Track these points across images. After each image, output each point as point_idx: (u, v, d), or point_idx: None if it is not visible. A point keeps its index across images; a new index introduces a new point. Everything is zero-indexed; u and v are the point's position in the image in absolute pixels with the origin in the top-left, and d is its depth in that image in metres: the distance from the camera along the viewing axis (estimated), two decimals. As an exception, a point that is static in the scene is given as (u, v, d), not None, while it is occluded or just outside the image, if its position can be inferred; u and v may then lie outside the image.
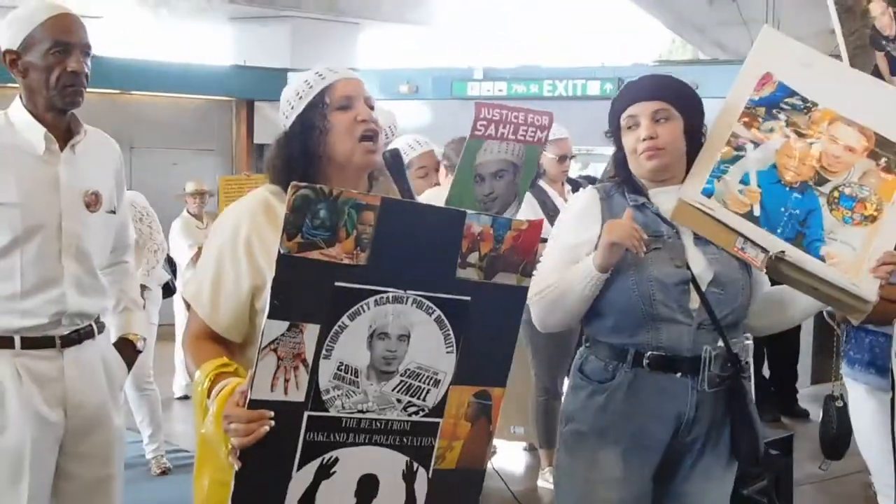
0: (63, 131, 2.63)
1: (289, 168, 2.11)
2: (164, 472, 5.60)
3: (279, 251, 1.70)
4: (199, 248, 7.70)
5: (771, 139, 2.49)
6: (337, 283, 1.75)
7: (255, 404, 1.75)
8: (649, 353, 2.40)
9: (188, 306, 2.17)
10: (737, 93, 2.53)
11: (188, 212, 8.00)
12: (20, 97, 2.63)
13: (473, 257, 1.83)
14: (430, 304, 1.83)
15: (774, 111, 2.51)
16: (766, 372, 6.92)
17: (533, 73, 12.26)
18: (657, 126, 2.43)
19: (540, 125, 2.47)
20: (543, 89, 11.82)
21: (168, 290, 6.66)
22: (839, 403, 3.52)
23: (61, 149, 2.61)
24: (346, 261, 1.74)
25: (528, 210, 4.31)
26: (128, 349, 2.89)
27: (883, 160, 2.49)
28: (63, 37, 2.55)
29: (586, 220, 2.47)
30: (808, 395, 7.04)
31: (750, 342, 2.51)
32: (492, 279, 1.86)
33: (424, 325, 1.83)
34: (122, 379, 2.83)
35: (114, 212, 2.74)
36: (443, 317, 1.84)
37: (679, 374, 2.41)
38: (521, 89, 12.01)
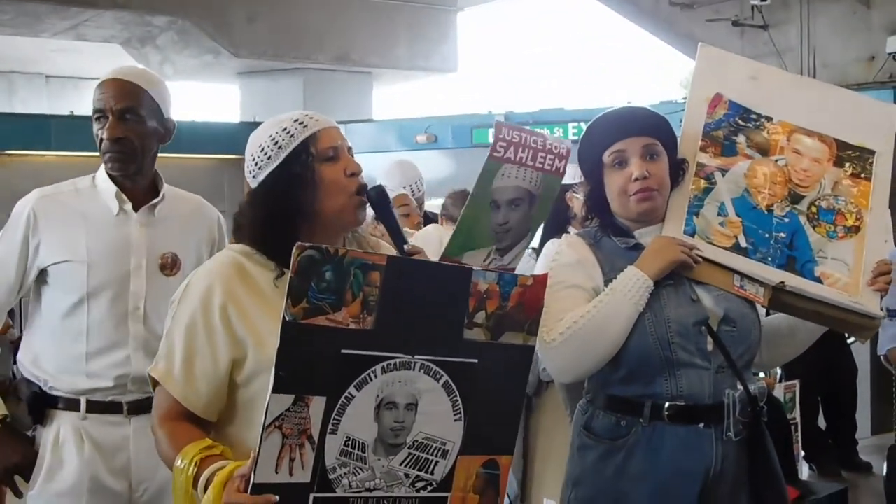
0: (143, 192, 2.71)
1: (270, 225, 2.03)
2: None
3: (284, 318, 1.65)
4: None
5: (736, 163, 2.48)
6: (343, 351, 1.70)
7: (258, 488, 1.69)
8: (668, 403, 2.31)
9: (154, 385, 2.06)
10: (691, 120, 2.51)
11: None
12: None
13: (480, 317, 1.79)
14: (438, 369, 1.79)
15: (732, 132, 2.50)
16: (821, 422, 6.83)
17: (556, 115, 12.33)
18: (648, 164, 2.36)
19: (558, 153, 2.46)
20: (568, 132, 11.87)
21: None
22: (903, 454, 3.45)
23: (137, 209, 2.69)
24: (352, 326, 1.70)
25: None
26: None
27: (848, 166, 2.51)
28: (97, 104, 2.65)
29: (585, 270, 2.37)
30: (869, 445, 6.93)
31: (762, 385, 2.46)
32: (499, 339, 1.82)
33: (432, 391, 1.79)
34: None
35: None
36: (450, 382, 1.80)
37: (702, 425, 2.32)
38: (545, 133, 12.05)
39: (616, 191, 2.39)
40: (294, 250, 1.65)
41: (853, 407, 6.85)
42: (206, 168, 13.72)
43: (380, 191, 2.17)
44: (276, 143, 2.05)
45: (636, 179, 2.35)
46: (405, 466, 1.81)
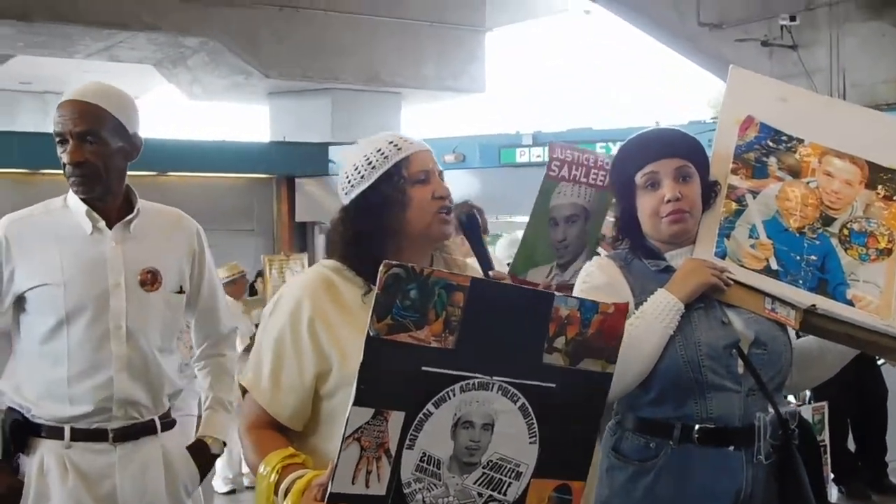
0: (117, 210, 2.66)
1: (360, 242, 2.09)
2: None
3: (368, 333, 1.68)
4: (250, 339, 7.82)
5: (768, 185, 2.47)
6: (424, 368, 1.73)
7: (334, 498, 1.72)
8: (698, 426, 2.29)
9: (244, 393, 2.13)
10: (722, 142, 2.50)
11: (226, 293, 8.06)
12: None
13: (560, 342, 1.80)
14: (515, 392, 1.80)
15: (763, 155, 2.50)
16: (851, 445, 6.75)
17: (584, 135, 12.32)
18: (681, 186, 2.35)
19: (609, 169, 2.52)
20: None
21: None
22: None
23: (111, 226, 2.63)
24: (434, 344, 1.72)
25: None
26: (202, 452, 2.84)
27: (881, 188, 2.49)
28: (57, 127, 2.58)
29: (616, 292, 2.33)
30: (899, 468, 6.84)
31: (793, 408, 2.44)
32: (577, 365, 1.83)
33: (508, 413, 1.80)
34: (189, 483, 2.79)
35: (181, 291, 2.73)
36: (527, 405, 1.81)
37: (732, 448, 2.30)
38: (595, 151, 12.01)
39: (648, 212, 2.38)
40: (381, 268, 1.69)
41: (883, 429, 6.77)
42: (236, 187, 13.82)
43: (470, 215, 2.26)
44: (371, 163, 2.10)
45: (668, 201, 2.34)
46: (479, 485, 1.82)
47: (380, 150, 2.11)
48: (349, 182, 2.13)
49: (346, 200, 2.14)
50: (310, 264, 9.72)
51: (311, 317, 2.04)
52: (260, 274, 9.46)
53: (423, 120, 16.88)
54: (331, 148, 13.48)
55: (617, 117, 18.14)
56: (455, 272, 1.93)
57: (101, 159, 2.58)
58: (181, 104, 16.44)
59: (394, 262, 1.69)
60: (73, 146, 2.56)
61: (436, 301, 1.71)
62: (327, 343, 2.03)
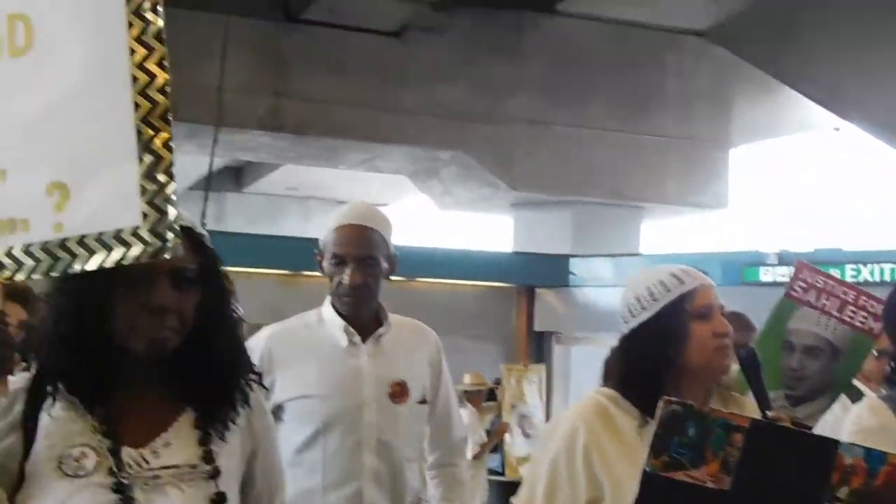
0: (370, 323, 2.77)
1: (638, 373, 2.13)
2: None
3: (645, 469, 1.72)
4: (480, 447, 7.87)
5: None
6: None
7: None
8: None
9: None
10: None
11: (467, 401, 8.14)
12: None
13: (843, 491, 1.75)
14: None
15: None
16: None
17: (833, 256, 11.80)
18: None
19: (874, 312, 2.35)
20: (846, 274, 11.30)
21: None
22: None
23: (364, 340, 2.74)
24: (710, 484, 1.72)
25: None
26: None
27: None
28: (339, 249, 2.69)
29: (891, 437, 2.22)
30: None
31: None
32: None
33: None
34: None
35: (424, 401, 2.81)
36: None
37: None
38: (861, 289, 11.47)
39: None
40: (660, 403, 1.74)
41: None
42: (477, 294, 14.07)
43: (750, 352, 2.23)
44: (653, 295, 2.15)
45: None
46: None
47: (662, 281, 2.15)
48: (630, 311, 2.18)
49: (625, 329, 2.20)
50: (547, 376, 9.70)
51: (586, 443, 2.09)
52: (498, 381, 9.52)
53: (664, 235, 16.67)
54: (571, 260, 13.54)
55: (868, 238, 17.26)
56: (734, 412, 1.91)
57: (374, 280, 2.74)
58: (428, 212, 17.02)
59: (674, 399, 1.74)
60: (353, 269, 2.68)
61: (714, 441, 1.72)
62: (601, 471, 2.07)
